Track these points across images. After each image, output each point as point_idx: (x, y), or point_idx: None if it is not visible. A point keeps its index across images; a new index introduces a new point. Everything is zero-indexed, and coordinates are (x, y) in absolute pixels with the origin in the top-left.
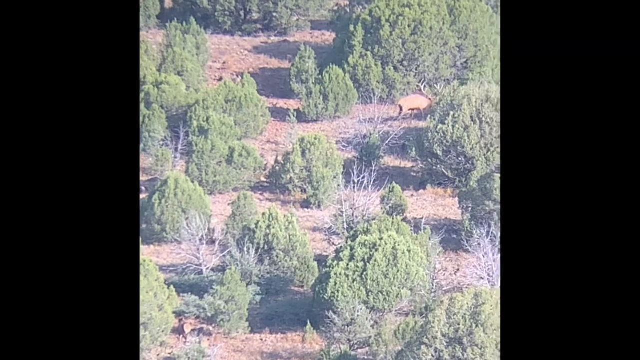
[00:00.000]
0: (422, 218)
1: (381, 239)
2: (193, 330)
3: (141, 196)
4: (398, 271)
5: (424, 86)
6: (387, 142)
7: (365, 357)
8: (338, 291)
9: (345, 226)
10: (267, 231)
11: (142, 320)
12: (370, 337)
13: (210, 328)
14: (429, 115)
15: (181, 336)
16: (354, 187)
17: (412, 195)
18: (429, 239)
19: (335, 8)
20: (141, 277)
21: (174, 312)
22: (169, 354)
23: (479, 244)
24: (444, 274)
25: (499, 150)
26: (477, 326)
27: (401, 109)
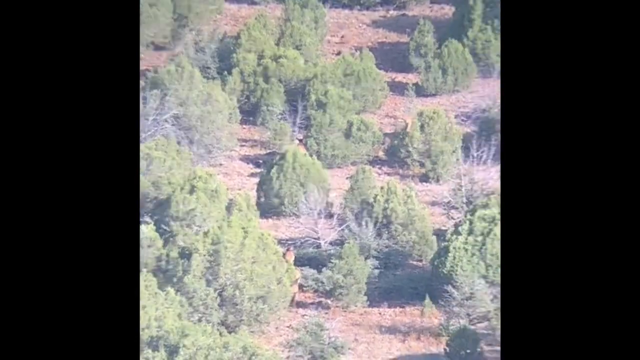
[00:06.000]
0: None
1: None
2: (311, 303)
3: (259, 170)
4: None
5: None
6: None
7: (485, 331)
8: (457, 265)
9: (464, 200)
10: (386, 205)
11: (260, 293)
12: (489, 312)
13: (329, 302)
14: None
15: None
16: (472, 161)
17: None
18: None
19: None
20: (260, 251)
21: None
22: (288, 326)
23: None
24: None
25: None
26: None
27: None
